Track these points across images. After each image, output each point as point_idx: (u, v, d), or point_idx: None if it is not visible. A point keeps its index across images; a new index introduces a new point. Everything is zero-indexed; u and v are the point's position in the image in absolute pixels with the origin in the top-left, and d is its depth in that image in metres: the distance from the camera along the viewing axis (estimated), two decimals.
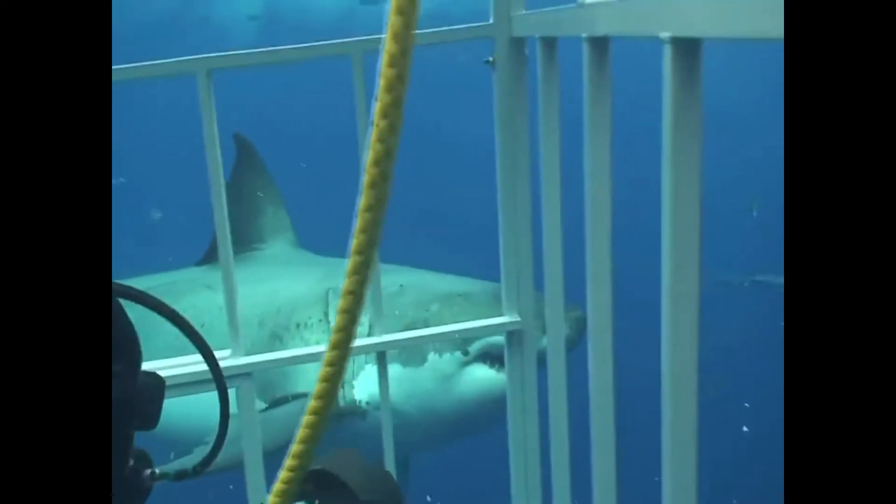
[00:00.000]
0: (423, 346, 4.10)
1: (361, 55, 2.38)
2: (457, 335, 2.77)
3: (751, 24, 1.05)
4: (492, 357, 4.01)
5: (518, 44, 2.48)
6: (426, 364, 4.15)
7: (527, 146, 2.51)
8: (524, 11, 2.42)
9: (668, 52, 1.27)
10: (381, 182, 0.88)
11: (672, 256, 1.33)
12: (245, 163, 5.14)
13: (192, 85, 2.34)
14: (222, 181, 2.45)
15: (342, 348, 0.98)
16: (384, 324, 2.60)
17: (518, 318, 2.61)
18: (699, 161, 1.32)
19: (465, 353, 4.10)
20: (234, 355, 2.52)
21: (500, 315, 2.64)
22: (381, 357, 2.59)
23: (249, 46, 2.40)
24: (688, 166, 1.31)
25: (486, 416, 4.10)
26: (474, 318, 2.83)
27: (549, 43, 2.12)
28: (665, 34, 1.26)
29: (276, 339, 4.53)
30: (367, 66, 2.39)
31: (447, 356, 4.14)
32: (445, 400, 4.21)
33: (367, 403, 4.21)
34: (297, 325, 4.53)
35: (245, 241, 4.96)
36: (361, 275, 0.93)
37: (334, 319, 0.94)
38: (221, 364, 1.30)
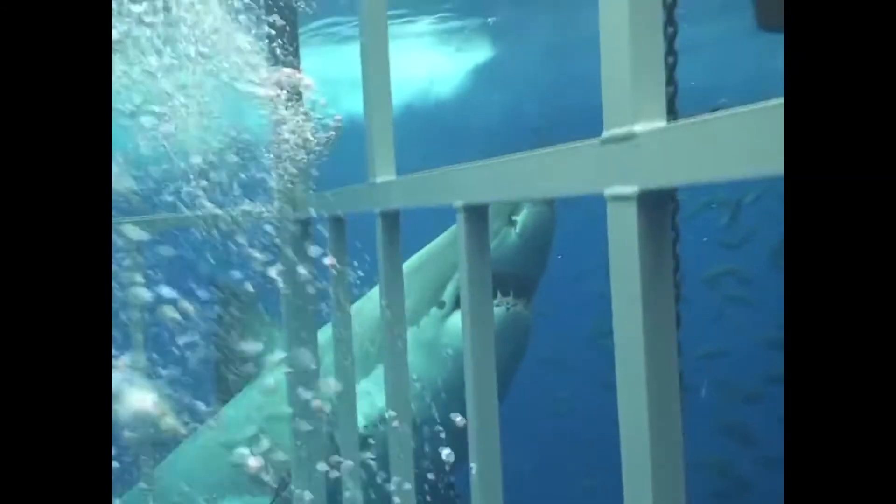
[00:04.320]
0: None
1: None
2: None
3: (524, 191, 1.34)
4: None
5: (304, 224, 2.69)
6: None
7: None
8: (311, 191, 2.65)
9: (461, 217, 1.52)
10: None
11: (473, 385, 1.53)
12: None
13: None
14: None
15: None
16: None
17: None
18: (490, 311, 1.56)
19: (441, 305, 3.78)
20: None
21: None
22: None
23: None
24: (483, 316, 1.54)
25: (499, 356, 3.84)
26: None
27: (339, 221, 2.34)
28: (458, 202, 1.52)
29: None
30: None
31: (423, 320, 3.78)
32: (445, 367, 3.71)
33: (365, 427, 3.64)
34: None
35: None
36: None
37: None
38: None
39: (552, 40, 12.54)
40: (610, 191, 1.09)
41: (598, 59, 1.11)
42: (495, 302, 3.66)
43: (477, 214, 1.52)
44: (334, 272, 2.38)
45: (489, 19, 11.82)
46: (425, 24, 11.62)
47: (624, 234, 1.08)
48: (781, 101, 0.80)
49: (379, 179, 1.96)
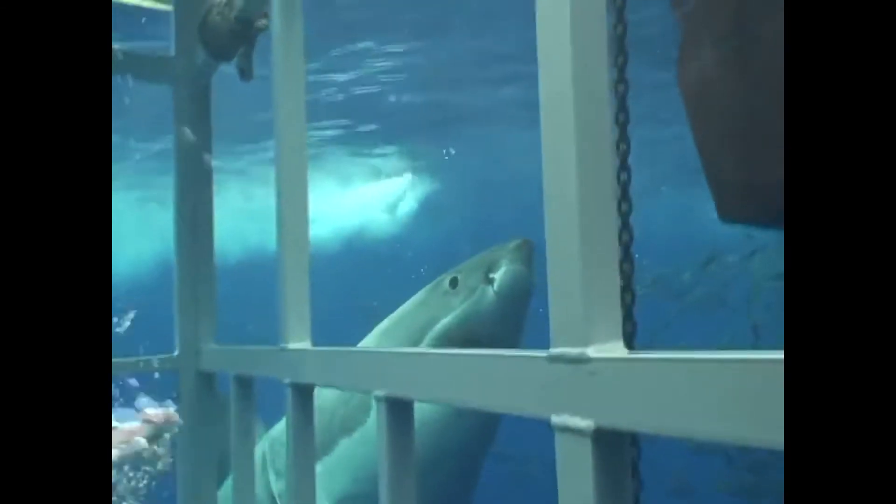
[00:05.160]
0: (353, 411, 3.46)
1: None
2: None
3: (455, 394, 1.18)
4: None
5: (207, 378, 2.47)
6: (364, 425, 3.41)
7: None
8: (215, 345, 2.44)
9: (382, 409, 1.35)
10: None
11: None
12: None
13: None
14: None
15: None
16: None
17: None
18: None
19: None
20: None
21: None
22: None
23: None
24: None
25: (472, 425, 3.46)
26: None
27: (245, 382, 2.13)
28: (380, 392, 1.35)
29: None
30: None
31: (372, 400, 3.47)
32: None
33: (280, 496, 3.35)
34: None
35: None
36: None
37: None
38: None
39: (486, 177, 12.98)
40: (559, 420, 0.95)
41: (527, 194, 1.00)
42: None
43: (401, 408, 1.35)
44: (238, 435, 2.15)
45: (447, 150, 12.10)
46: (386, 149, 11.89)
47: (576, 471, 0.93)
48: (781, 356, 0.69)
49: (291, 346, 1.78)
